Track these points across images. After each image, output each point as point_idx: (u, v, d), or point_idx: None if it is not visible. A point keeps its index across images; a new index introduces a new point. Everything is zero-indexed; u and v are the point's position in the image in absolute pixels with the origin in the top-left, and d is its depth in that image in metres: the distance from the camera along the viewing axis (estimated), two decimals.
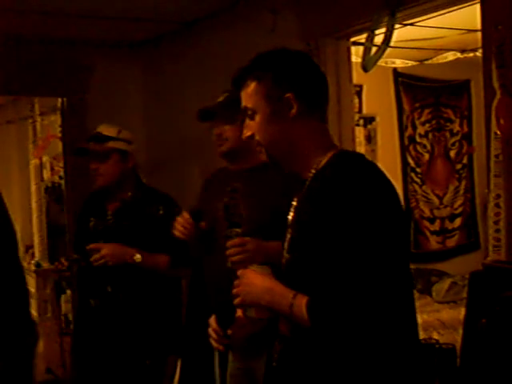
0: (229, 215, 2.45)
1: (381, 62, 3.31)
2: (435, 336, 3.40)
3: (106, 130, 3.22)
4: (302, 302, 1.60)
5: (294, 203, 1.81)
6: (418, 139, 5.30)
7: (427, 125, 5.34)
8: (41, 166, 6.85)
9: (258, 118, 1.78)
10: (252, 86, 1.78)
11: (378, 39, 2.97)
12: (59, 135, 5.39)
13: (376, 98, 5.10)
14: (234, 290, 1.78)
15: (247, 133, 1.81)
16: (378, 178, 1.66)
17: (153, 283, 3.13)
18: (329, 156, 1.74)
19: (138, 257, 3.03)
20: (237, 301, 1.77)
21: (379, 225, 1.57)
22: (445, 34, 4.08)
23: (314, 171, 1.74)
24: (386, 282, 1.55)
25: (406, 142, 5.26)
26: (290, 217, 1.81)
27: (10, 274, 2.45)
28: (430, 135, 5.35)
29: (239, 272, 1.80)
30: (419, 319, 4.00)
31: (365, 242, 1.55)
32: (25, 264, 4.97)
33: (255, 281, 1.74)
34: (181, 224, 2.55)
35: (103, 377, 3.15)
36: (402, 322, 1.62)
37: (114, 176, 3.15)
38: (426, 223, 5.32)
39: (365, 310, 1.52)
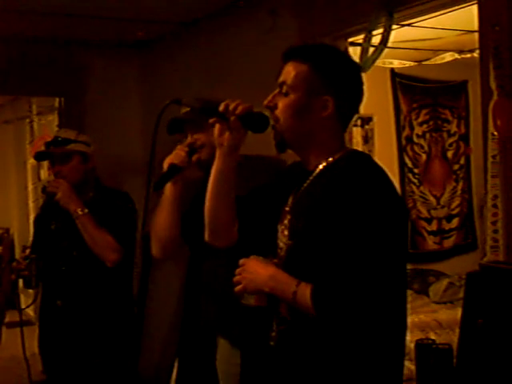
0: None
1: (378, 63, 3.31)
2: (432, 336, 3.41)
3: (65, 133, 3.31)
4: (305, 290, 1.63)
5: (293, 191, 1.83)
6: (415, 140, 5.30)
7: (424, 125, 5.34)
8: (38, 166, 6.84)
9: (289, 98, 1.74)
10: (303, 68, 1.73)
11: (376, 40, 2.98)
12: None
13: (373, 98, 5.04)
14: (236, 278, 1.78)
15: (270, 103, 1.77)
16: (385, 177, 1.70)
17: (114, 282, 3.20)
18: (340, 154, 1.76)
19: (79, 212, 3.09)
20: (238, 288, 1.78)
21: (383, 220, 1.61)
22: (442, 34, 4.09)
23: (324, 164, 1.76)
24: (386, 276, 1.60)
25: (404, 143, 5.26)
26: (288, 202, 1.82)
27: None
28: (428, 136, 5.36)
29: (241, 261, 1.81)
30: (416, 319, 4.02)
31: (369, 236, 1.59)
32: None
33: (258, 268, 1.75)
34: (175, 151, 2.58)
35: (73, 377, 3.21)
36: (395, 316, 1.68)
37: (77, 178, 3.21)
38: (424, 223, 5.32)
39: (367, 301, 1.57)
